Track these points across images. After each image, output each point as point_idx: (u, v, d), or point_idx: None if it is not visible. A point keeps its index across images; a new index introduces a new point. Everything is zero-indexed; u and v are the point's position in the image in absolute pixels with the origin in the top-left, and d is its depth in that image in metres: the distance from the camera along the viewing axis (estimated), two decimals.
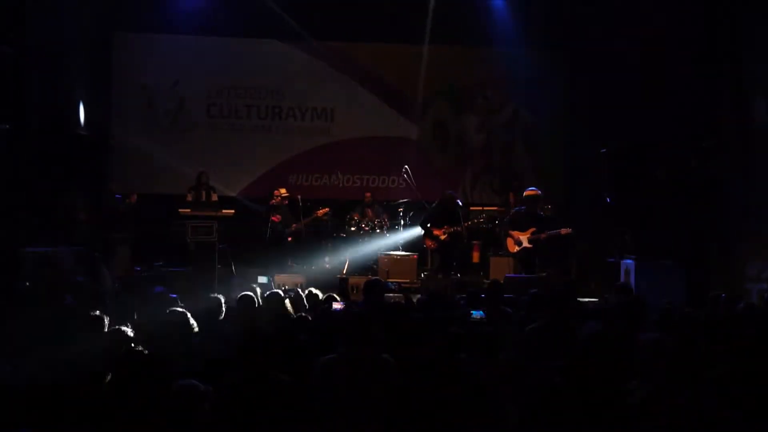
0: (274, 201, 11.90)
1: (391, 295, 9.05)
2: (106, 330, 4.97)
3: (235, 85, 13.50)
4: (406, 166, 12.46)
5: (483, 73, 13.69)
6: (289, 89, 13.56)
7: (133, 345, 4.52)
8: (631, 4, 11.55)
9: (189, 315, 5.30)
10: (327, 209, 12.16)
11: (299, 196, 12.16)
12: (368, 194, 12.62)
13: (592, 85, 12.51)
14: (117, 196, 11.56)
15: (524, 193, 10.51)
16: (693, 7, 10.55)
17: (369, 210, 12.47)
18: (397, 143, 13.71)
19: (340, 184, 13.70)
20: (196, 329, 5.29)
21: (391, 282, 11.11)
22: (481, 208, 12.27)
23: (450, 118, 13.85)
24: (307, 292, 7.64)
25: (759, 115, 9.44)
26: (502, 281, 8.71)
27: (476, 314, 6.10)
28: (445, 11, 12.85)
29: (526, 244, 10.20)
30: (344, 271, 12.09)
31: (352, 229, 12.36)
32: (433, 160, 13.77)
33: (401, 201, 12.97)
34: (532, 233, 10.14)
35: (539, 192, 10.40)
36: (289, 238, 11.87)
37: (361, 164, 13.73)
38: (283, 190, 12.00)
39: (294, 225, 11.98)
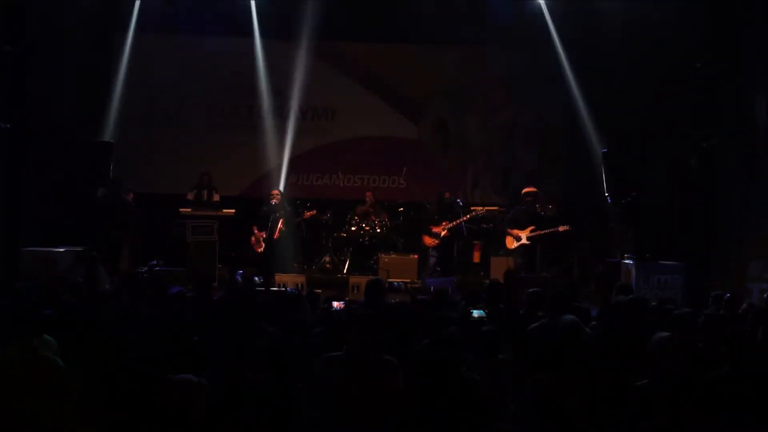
0: (274, 201, 11.78)
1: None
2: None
3: (235, 84, 13.48)
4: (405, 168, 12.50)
5: (483, 73, 13.68)
6: (289, 89, 13.52)
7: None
8: (632, 4, 11.56)
9: None
10: (314, 211, 12.13)
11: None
12: (369, 194, 12.61)
13: (592, 85, 12.50)
14: None
15: (522, 191, 10.61)
16: (694, 7, 10.55)
17: (370, 210, 12.47)
18: (397, 143, 13.71)
19: (340, 184, 13.68)
20: None
21: (397, 282, 11.14)
22: (481, 208, 12.26)
23: (450, 118, 13.83)
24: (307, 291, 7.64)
25: (760, 115, 9.43)
26: (502, 281, 8.71)
27: (476, 313, 6.11)
28: (446, 11, 12.85)
29: (524, 241, 10.32)
30: (345, 271, 12.10)
31: (353, 228, 12.36)
32: (433, 160, 13.76)
33: (401, 201, 12.97)
34: (531, 231, 10.26)
35: (536, 190, 10.50)
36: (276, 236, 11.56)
37: (361, 164, 13.72)
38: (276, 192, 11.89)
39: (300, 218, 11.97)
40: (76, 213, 11.04)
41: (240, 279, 9.34)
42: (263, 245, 11.24)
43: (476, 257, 12.49)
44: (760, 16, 9.61)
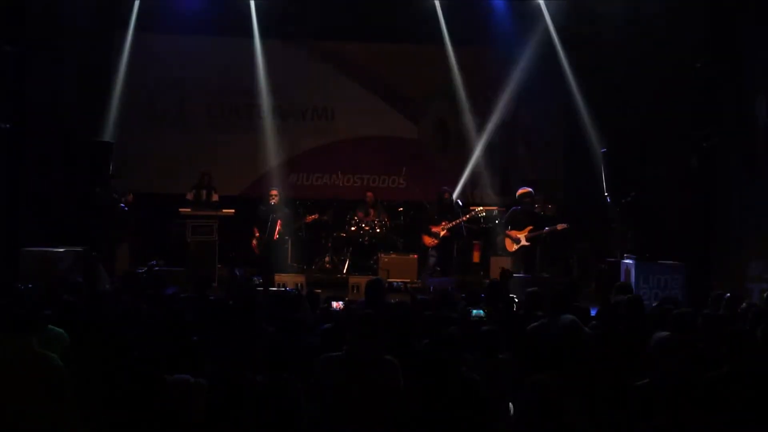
0: (273, 201, 11.74)
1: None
2: None
3: (236, 84, 13.48)
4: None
5: (483, 73, 13.67)
6: (289, 89, 13.54)
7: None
8: (632, 4, 11.56)
9: None
10: (315, 215, 12.13)
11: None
12: (370, 194, 12.61)
13: (592, 85, 12.51)
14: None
15: (518, 192, 10.60)
16: (694, 7, 10.55)
17: (371, 210, 12.47)
18: (397, 143, 13.71)
19: (340, 184, 13.69)
20: None
21: (397, 282, 11.14)
22: (481, 208, 12.27)
23: (450, 118, 13.82)
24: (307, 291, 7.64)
25: (760, 115, 9.42)
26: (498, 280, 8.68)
27: (476, 313, 6.10)
28: (446, 11, 12.85)
29: (524, 242, 10.29)
30: (345, 271, 12.10)
31: (353, 228, 12.36)
32: (433, 160, 13.75)
33: (401, 201, 12.97)
34: (530, 231, 10.24)
35: (532, 190, 10.51)
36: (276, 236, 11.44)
37: (361, 164, 13.73)
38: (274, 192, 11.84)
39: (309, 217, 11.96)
40: (76, 213, 11.05)
41: (238, 274, 9.34)
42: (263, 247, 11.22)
43: (476, 257, 12.51)
44: (760, 16, 9.60)
